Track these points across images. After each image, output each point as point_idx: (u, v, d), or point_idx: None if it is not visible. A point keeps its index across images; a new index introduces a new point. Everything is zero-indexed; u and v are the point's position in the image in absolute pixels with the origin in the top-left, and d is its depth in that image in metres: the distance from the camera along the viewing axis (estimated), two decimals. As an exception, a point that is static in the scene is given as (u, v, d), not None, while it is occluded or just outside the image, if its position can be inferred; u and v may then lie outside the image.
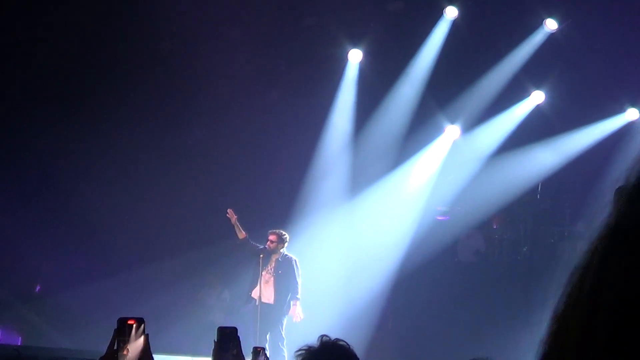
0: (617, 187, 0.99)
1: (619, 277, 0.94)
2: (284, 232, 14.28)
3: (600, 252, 0.95)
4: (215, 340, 4.69)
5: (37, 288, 15.83)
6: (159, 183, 16.48)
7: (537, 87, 16.98)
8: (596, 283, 0.95)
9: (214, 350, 4.72)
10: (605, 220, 0.97)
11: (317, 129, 17.07)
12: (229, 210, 14.27)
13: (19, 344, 14.15)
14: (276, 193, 16.58)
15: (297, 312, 13.96)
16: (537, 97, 17.04)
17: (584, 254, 0.99)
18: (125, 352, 3.41)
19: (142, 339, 3.45)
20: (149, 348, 3.49)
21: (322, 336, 3.48)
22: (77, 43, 15.71)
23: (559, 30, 16.57)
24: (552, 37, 16.64)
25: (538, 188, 16.97)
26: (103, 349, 3.71)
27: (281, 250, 14.11)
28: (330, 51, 16.82)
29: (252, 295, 14.07)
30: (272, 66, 16.61)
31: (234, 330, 4.77)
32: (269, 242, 14.08)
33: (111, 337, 3.49)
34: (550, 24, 16.58)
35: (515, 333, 14.97)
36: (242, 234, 14.15)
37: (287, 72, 16.68)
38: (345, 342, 3.51)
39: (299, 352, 3.46)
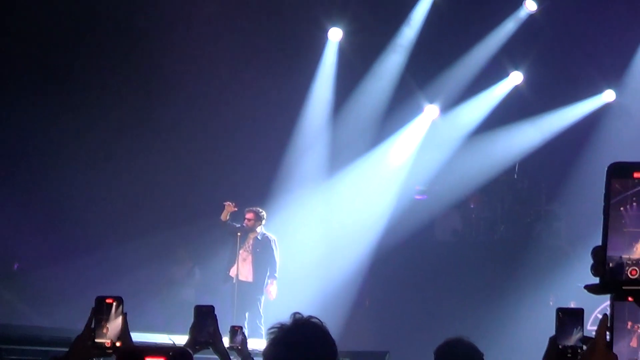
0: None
1: None
2: (261, 210, 14.27)
3: None
4: (193, 319, 4.70)
5: (15, 266, 15.75)
6: (135, 161, 16.39)
7: (516, 68, 17.02)
8: None
9: (190, 328, 4.72)
10: None
11: (296, 107, 17.04)
12: (229, 204, 14.15)
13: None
14: (254, 171, 16.55)
15: (271, 290, 13.98)
16: (515, 78, 17.09)
17: None
18: (104, 331, 3.40)
19: (120, 317, 3.45)
20: (127, 327, 3.49)
21: (294, 314, 3.48)
22: (52, 22, 15.57)
23: (539, 11, 16.59)
24: (531, 18, 16.67)
25: (515, 168, 17.06)
26: (79, 327, 3.70)
27: (258, 229, 14.10)
28: (310, 30, 16.78)
29: (230, 273, 14.07)
30: (251, 43, 16.53)
31: (210, 309, 4.77)
32: (246, 220, 14.07)
33: (89, 315, 3.49)
34: (530, 5, 16.62)
35: (491, 311, 15.11)
36: (226, 217, 14.11)
37: (266, 50, 16.62)
38: (318, 319, 3.51)
39: (272, 330, 3.46)
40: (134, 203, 16.30)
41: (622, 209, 1.96)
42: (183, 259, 16.25)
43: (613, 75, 16.88)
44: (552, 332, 3.98)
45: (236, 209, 14.10)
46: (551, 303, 14.67)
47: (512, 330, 14.86)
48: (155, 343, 7.30)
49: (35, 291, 14.94)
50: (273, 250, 14.07)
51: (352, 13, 16.65)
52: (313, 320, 3.47)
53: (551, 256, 15.95)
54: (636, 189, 1.95)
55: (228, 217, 14.09)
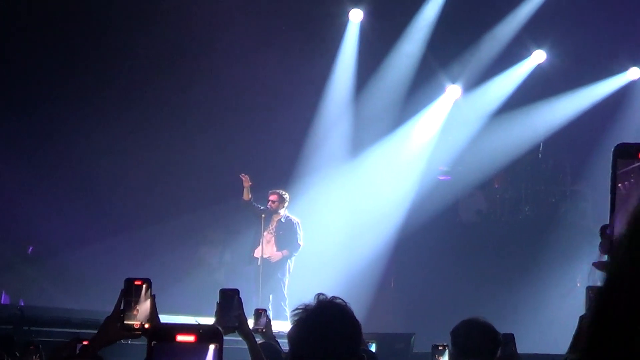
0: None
1: None
2: (284, 192, 14.29)
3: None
4: (218, 302, 4.71)
5: (30, 249, 15.84)
6: (160, 142, 16.46)
7: (539, 46, 16.93)
8: None
9: (216, 312, 4.74)
10: None
11: (318, 89, 17.03)
12: (243, 176, 14.20)
13: (22, 304, 14.21)
14: (277, 154, 16.56)
15: (274, 253, 13.98)
16: (538, 57, 17.00)
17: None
18: (134, 312, 3.42)
19: (149, 299, 3.47)
20: (156, 309, 3.51)
21: (318, 295, 3.49)
22: (76, 3, 15.63)
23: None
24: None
25: (540, 147, 16.98)
26: (107, 309, 3.73)
27: (281, 211, 14.13)
28: (331, 10, 16.76)
29: (255, 255, 14.11)
30: (273, 26, 16.52)
31: (235, 292, 4.77)
32: (269, 202, 14.10)
33: (118, 297, 3.51)
34: (552, -18, 16.51)
35: (517, 292, 15.08)
36: (247, 196, 14.14)
37: (287, 32, 16.60)
38: (342, 299, 3.51)
39: (296, 311, 3.47)
40: (161, 184, 16.38)
41: (626, 186, 1.99)
42: (213, 241, 16.30)
43: (638, 52, 16.76)
44: (580, 312, 3.98)
45: (251, 183, 14.11)
46: (578, 284, 14.61)
47: (539, 310, 14.84)
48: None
49: (64, 274, 15.05)
50: (297, 232, 14.09)
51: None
52: (337, 300, 3.48)
53: (577, 236, 15.87)
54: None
55: (250, 197, 14.12)
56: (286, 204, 14.20)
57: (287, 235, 14.04)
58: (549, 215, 16.90)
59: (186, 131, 16.65)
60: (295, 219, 14.18)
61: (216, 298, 4.76)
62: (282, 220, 14.11)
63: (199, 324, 2.67)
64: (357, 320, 3.49)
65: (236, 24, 16.14)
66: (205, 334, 2.55)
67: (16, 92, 15.77)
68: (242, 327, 4.73)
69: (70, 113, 15.77)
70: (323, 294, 3.49)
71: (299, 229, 14.12)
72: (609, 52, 16.58)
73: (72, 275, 14.98)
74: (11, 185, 15.34)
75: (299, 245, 14.06)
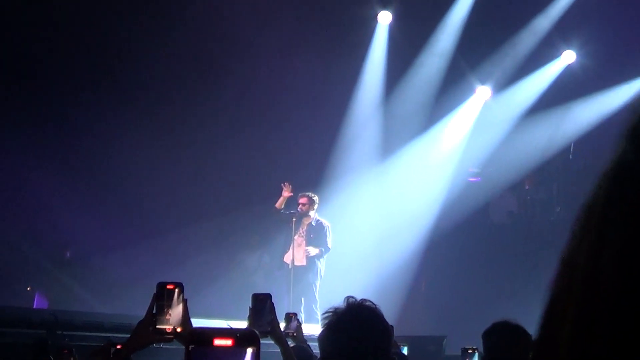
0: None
1: (624, 212, 0.93)
2: (313, 195, 14.26)
3: (605, 188, 0.95)
4: (250, 306, 4.72)
5: (67, 253, 15.96)
6: (192, 145, 16.55)
7: (569, 47, 16.86)
8: (602, 220, 0.95)
9: (248, 316, 4.75)
10: (610, 158, 0.97)
11: (347, 91, 17.05)
12: (285, 185, 14.19)
13: (47, 306, 14.31)
14: (307, 156, 16.59)
15: (311, 248, 13.98)
16: (568, 57, 16.93)
17: (590, 193, 0.99)
18: (166, 317, 3.44)
19: (181, 303, 3.48)
20: (188, 313, 3.53)
21: (348, 298, 3.50)
22: (100, 8, 15.72)
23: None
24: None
25: (570, 148, 16.90)
26: (139, 313, 3.74)
27: (311, 213, 14.11)
28: (360, 13, 16.76)
29: (285, 259, 14.09)
30: (302, 29, 16.56)
31: (268, 297, 4.79)
32: (299, 205, 14.08)
33: (150, 301, 3.52)
34: (582, -18, 16.44)
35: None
36: (280, 205, 14.11)
37: (316, 35, 16.63)
38: (371, 302, 3.52)
39: (326, 315, 3.48)
40: (194, 188, 16.44)
41: None
42: (251, 245, 16.26)
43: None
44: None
45: (292, 194, 14.12)
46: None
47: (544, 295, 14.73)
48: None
49: (97, 278, 15.13)
50: (326, 236, 14.06)
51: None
52: (366, 303, 3.49)
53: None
54: None
55: (283, 208, 14.10)
56: (316, 207, 14.17)
57: (317, 239, 14.03)
58: (580, 215, 16.76)
59: (217, 134, 16.71)
60: (325, 222, 14.15)
61: (248, 304, 4.78)
62: (313, 223, 14.08)
63: (235, 328, 2.68)
64: (387, 322, 3.50)
65: (266, 28, 16.20)
66: (242, 338, 2.56)
67: (50, 102, 15.88)
68: (274, 332, 4.74)
69: (103, 119, 15.87)
70: (353, 297, 3.50)
71: (329, 232, 14.10)
72: (638, 50, 16.47)
73: (104, 279, 15.06)
74: (45, 191, 15.47)
75: (329, 248, 14.05)
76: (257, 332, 4.54)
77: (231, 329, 2.63)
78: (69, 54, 15.76)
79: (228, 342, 2.53)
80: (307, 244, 13.99)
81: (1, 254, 14.89)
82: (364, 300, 3.50)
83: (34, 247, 15.20)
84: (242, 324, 5.00)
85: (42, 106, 15.84)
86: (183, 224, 15.83)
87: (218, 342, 2.53)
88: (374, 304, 3.51)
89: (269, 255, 16.08)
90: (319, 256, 14.02)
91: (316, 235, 14.01)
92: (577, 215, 0.99)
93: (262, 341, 4.63)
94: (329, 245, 14.04)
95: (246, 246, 16.29)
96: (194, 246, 15.89)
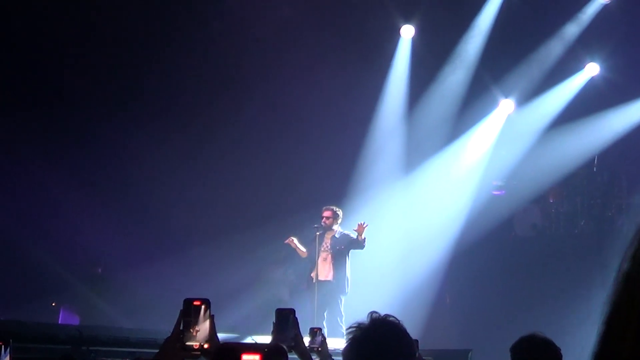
0: None
1: None
2: (337, 208, 14.23)
3: None
4: (274, 321, 4.74)
5: (99, 270, 16.05)
6: (218, 161, 16.60)
7: (592, 59, 16.82)
8: None
9: (272, 331, 4.77)
10: None
11: (370, 105, 17.07)
12: (289, 241, 14.20)
13: (77, 323, 14.38)
14: (331, 170, 16.60)
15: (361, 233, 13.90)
16: (591, 70, 16.88)
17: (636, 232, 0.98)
18: (193, 333, 3.46)
19: (207, 320, 3.51)
20: (215, 329, 3.55)
21: (371, 313, 3.52)
22: (127, 23, 15.81)
23: (613, 1, 16.36)
24: (605, 9, 16.43)
25: (594, 160, 16.83)
26: (164, 329, 3.78)
27: (335, 227, 14.08)
28: (383, 27, 16.79)
29: (312, 275, 14.04)
30: (325, 43, 16.60)
31: (291, 312, 4.80)
32: (324, 218, 14.04)
33: (177, 317, 3.55)
34: (603, -5, 16.40)
35: (573, 307, 14.91)
36: (303, 252, 14.12)
37: (339, 50, 16.66)
38: (395, 317, 3.54)
39: (350, 330, 3.50)
40: (217, 204, 16.49)
41: None
42: (277, 260, 16.22)
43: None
44: None
45: (294, 239, 14.09)
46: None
47: (597, 326, 14.65)
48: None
49: (120, 293, 15.20)
50: (351, 237, 13.94)
51: (424, 9, 16.61)
52: (390, 319, 3.50)
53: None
54: None
55: (303, 248, 14.09)
56: (340, 220, 14.14)
57: (347, 244, 13.93)
58: (605, 229, 16.70)
59: (243, 149, 16.78)
60: (351, 234, 14.07)
61: (272, 320, 4.80)
62: (337, 236, 14.05)
63: (262, 343, 2.70)
64: (411, 337, 3.52)
65: (289, 43, 16.26)
66: (270, 353, 2.59)
67: (80, 121, 16.00)
68: (298, 347, 4.76)
69: (132, 138, 15.96)
70: (376, 312, 3.52)
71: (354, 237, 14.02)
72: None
73: (130, 295, 15.12)
74: (72, 209, 15.57)
75: (358, 242, 13.89)
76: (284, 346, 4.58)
77: (258, 344, 2.66)
78: (99, 73, 15.88)
79: (256, 358, 2.56)
80: (334, 257, 13.93)
81: (28, 270, 14.99)
82: (387, 315, 3.52)
83: (63, 264, 15.30)
84: (267, 339, 5.02)
85: (72, 125, 15.96)
86: (208, 239, 15.86)
87: (246, 357, 2.56)
88: (397, 319, 3.52)
89: (294, 271, 16.05)
90: (362, 245, 13.90)
91: (344, 242, 13.93)
92: (625, 253, 0.98)
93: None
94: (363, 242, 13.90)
95: (272, 261, 16.27)
96: (220, 261, 15.91)
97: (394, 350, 3.43)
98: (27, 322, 11.12)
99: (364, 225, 13.76)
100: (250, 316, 15.12)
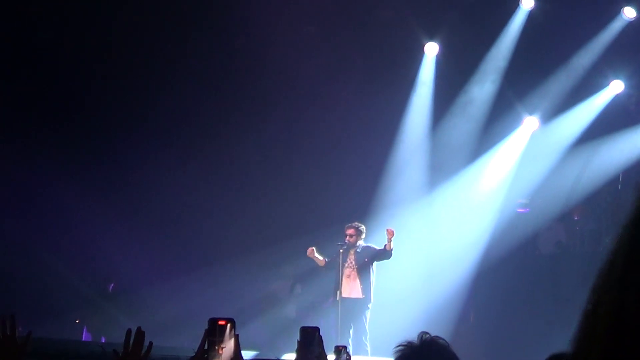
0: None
1: None
2: (360, 224, 14.21)
3: (628, 239, 0.94)
4: (298, 340, 4.71)
5: (111, 286, 16.07)
6: (236, 179, 16.62)
7: (617, 77, 16.73)
8: (626, 266, 0.94)
9: (297, 350, 4.74)
10: (631, 209, 0.96)
11: (394, 122, 17.05)
12: (309, 250, 14.16)
13: (103, 341, 14.38)
14: (354, 188, 16.58)
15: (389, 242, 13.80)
16: (616, 87, 16.79)
17: (613, 244, 0.98)
18: (219, 352, 3.45)
19: (232, 339, 3.49)
20: (239, 348, 3.53)
21: (422, 333, 3.51)
22: (151, 39, 15.86)
23: (638, 18, 16.28)
24: (630, 26, 16.35)
25: (619, 178, 16.73)
26: (187, 345, 3.76)
27: (359, 243, 14.06)
28: (407, 45, 16.77)
29: (336, 292, 13.94)
30: (349, 61, 16.61)
31: (316, 330, 4.77)
32: (347, 236, 14.02)
33: (201, 337, 3.54)
34: (629, 12, 16.30)
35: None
36: (321, 261, 14.08)
37: (363, 67, 16.67)
38: (444, 340, 3.53)
39: (399, 348, 3.48)
40: (234, 221, 16.49)
41: None
42: (285, 275, 16.23)
43: None
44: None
45: (313, 249, 14.04)
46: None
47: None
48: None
49: (143, 310, 15.20)
50: (375, 248, 13.91)
51: (448, 27, 16.58)
52: (440, 341, 3.50)
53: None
54: None
55: (322, 258, 14.04)
56: (363, 237, 14.12)
57: (371, 256, 13.89)
58: (630, 246, 16.56)
59: (266, 165, 16.79)
60: (374, 246, 14.03)
61: (291, 333, 4.77)
62: (359, 250, 14.01)
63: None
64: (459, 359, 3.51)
65: (312, 60, 16.27)
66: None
67: (96, 136, 16.06)
68: (322, 365, 4.72)
69: (149, 155, 16.00)
70: (427, 333, 3.52)
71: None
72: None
73: (150, 313, 15.12)
74: (91, 224, 15.61)
75: (391, 253, 13.84)
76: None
77: None
78: (118, 85, 15.93)
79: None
80: (359, 272, 13.87)
81: (51, 288, 15.03)
82: (437, 337, 3.52)
83: (83, 280, 15.33)
84: (292, 357, 4.99)
85: (91, 139, 16.02)
86: (230, 256, 15.85)
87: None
88: (446, 341, 3.52)
89: (302, 285, 16.02)
90: (389, 254, 13.81)
91: (368, 255, 13.90)
92: (599, 269, 0.99)
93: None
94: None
95: (278, 276, 16.21)
96: (243, 278, 15.90)
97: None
98: (49, 339, 11.13)
99: (392, 232, 13.72)
100: (268, 333, 15.08)
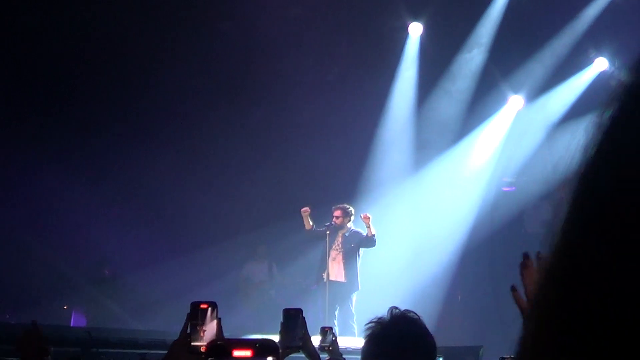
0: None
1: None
2: (348, 206, 14.16)
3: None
4: (281, 321, 4.69)
5: (106, 272, 16.05)
6: (226, 163, 16.59)
7: (600, 54, 16.74)
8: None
9: (280, 332, 4.72)
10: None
11: (379, 103, 17.04)
12: (304, 210, 14.07)
13: (90, 326, 14.37)
14: (340, 170, 16.58)
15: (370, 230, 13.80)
16: (600, 64, 16.81)
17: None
18: (201, 335, 3.45)
19: (214, 322, 3.49)
20: (222, 332, 3.53)
21: (392, 308, 3.49)
22: (134, 26, 15.78)
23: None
24: (614, 3, 16.34)
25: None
26: (172, 329, 3.77)
27: (347, 225, 14.02)
28: (391, 25, 16.75)
29: (322, 274, 13.94)
30: (333, 42, 16.58)
31: (299, 311, 4.75)
32: (334, 218, 13.99)
33: (184, 321, 3.53)
34: (611, -10, 16.31)
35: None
36: (309, 225, 13.99)
37: (347, 48, 16.64)
38: (415, 313, 3.51)
39: (369, 325, 3.47)
40: (222, 205, 16.47)
41: None
42: (262, 256, 16.09)
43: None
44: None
45: (309, 210, 13.99)
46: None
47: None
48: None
49: (130, 295, 15.20)
50: (362, 235, 13.90)
51: (432, 6, 16.55)
52: (410, 314, 3.48)
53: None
54: None
55: (312, 224, 13.98)
56: (352, 218, 14.08)
57: (358, 242, 13.89)
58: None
59: (252, 150, 16.77)
60: (361, 232, 14.01)
61: (272, 314, 4.77)
62: (347, 234, 13.99)
63: (254, 339, 2.68)
64: (430, 334, 3.50)
65: (296, 41, 16.23)
66: (261, 348, 2.56)
67: (87, 122, 16.00)
68: (306, 347, 4.71)
69: (139, 141, 15.97)
70: (397, 308, 3.49)
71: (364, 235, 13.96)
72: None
73: (138, 296, 15.12)
74: (80, 211, 15.59)
75: (369, 239, 13.84)
76: (285, 347, 4.53)
77: (250, 339, 2.63)
78: (108, 74, 15.87)
79: (247, 353, 2.53)
80: (345, 256, 13.87)
81: (38, 273, 15.00)
82: (407, 311, 3.50)
83: (71, 266, 15.30)
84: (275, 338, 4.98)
85: (80, 126, 15.97)
86: (217, 241, 15.84)
87: (237, 353, 2.53)
88: (417, 315, 3.50)
89: (277, 267, 15.97)
90: (372, 242, 13.81)
91: (355, 240, 13.88)
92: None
93: (293, 355, 4.63)
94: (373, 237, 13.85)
95: (254, 258, 16.11)
96: (229, 262, 15.90)
97: (415, 346, 3.41)
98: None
99: (368, 216, 13.70)
100: (247, 315, 15.08)
